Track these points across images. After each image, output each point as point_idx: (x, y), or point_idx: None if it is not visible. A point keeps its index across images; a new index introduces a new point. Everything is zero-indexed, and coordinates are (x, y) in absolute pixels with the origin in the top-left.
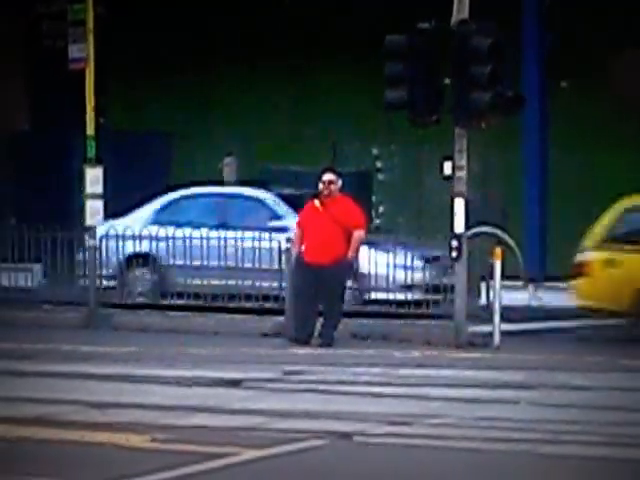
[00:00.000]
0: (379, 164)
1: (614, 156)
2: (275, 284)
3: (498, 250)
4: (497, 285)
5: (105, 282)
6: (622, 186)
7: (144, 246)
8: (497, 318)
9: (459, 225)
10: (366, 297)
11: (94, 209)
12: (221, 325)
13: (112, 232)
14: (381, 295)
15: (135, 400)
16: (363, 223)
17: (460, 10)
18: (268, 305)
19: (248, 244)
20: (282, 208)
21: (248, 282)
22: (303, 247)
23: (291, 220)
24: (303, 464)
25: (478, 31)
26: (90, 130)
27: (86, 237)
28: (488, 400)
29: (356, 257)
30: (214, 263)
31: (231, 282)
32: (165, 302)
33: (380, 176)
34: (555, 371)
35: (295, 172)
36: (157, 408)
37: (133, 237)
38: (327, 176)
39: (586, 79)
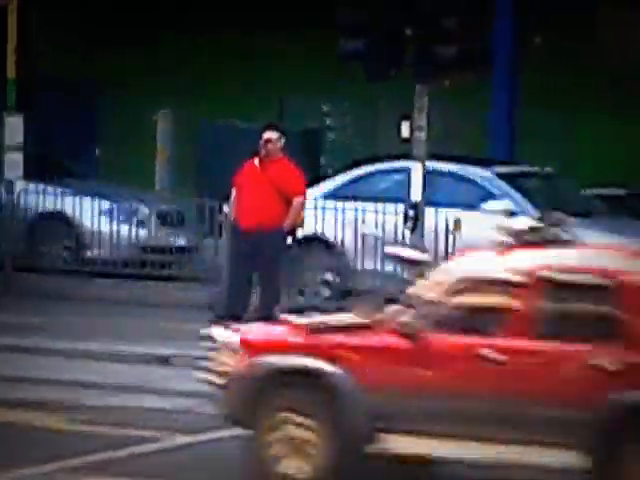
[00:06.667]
0: (329, 122)
1: (588, 119)
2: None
3: (459, 221)
4: None
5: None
6: (600, 152)
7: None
8: None
9: (417, 192)
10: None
11: (13, 162)
12: (146, 295)
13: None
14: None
15: (50, 376)
16: (302, 189)
17: None
18: (204, 275)
19: None
20: None
21: None
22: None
23: None
24: (237, 451)
25: None
26: (11, 73)
27: (2, 192)
28: None
29: (299, 225)
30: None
31: None
32: (87, 269)
33: (331, 135)
34: None
35: (238, 128)
36: (75, 385)
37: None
38: (266, 134)
39: (562, 34)
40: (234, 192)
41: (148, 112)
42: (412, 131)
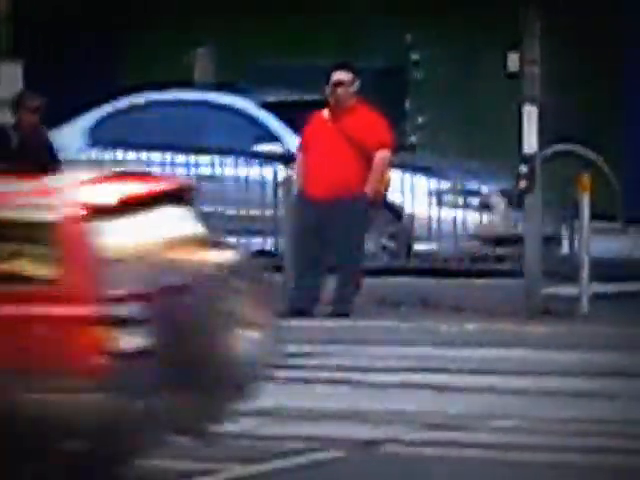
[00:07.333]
0: (415, 56)
1: None
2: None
3: (586, 178)
4: (585, 228)
5: None
6: None
7: None
8: (585, 276)
9: (530, 143)
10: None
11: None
12: None
13: None
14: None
15: None
16: (388, 141)
17: None
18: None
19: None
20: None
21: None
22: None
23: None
24: None
25: None
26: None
27: None
28: (573, 393)
29: (385, 189)
30: None
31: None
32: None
33: (417, 73)
34: None
35: (297, 69)
36: None
37: None
38: (335, 76)
39: None
40: (299, 153)
41: (181, 52)
42: (522, 65)
